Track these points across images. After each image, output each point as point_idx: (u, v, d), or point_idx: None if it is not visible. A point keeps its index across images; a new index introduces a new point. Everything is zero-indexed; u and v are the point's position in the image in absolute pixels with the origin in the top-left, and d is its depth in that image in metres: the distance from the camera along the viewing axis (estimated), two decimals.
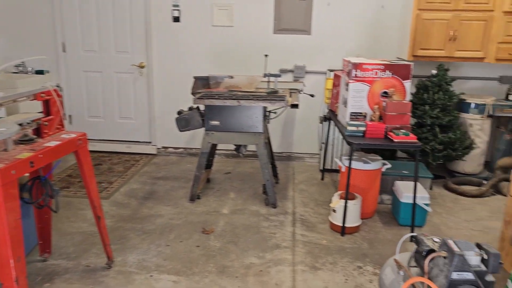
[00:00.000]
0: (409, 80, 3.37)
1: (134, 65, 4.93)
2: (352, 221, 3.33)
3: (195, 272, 2.79)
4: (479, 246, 1.78)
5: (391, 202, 3.81)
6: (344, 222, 3.28)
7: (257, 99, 3.43)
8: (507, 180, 4.16)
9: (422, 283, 1.80)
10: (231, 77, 3.89)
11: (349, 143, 3.16)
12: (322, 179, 4.50)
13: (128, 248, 3.07)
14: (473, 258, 1.72)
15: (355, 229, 3.36)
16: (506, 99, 4.46)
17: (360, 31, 4.63)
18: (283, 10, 4.61)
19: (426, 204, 3.41)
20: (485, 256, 1.73)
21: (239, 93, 3.68)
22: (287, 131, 4.99)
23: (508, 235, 2.87)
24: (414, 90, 4.35)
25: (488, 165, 4.69)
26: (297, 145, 5.02)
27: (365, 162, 3.50)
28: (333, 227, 3.40)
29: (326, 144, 4.50)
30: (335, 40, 4.67)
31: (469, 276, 1.69)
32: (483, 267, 1.73)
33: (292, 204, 3.86)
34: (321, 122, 4.57)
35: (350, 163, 3.20)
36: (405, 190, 3.47)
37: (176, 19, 4.74)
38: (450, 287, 1.70)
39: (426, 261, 1.80)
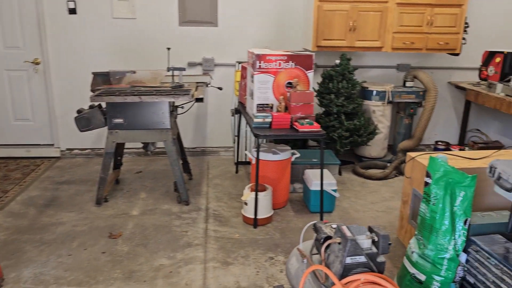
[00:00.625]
0: (311, 70, 3.44)
1: (28, 62, 4.51)
2: (264, 212, 3.34)
3: (99, 280, 2.62)
4: (370, 229, 1.84)
5: (303, 191, 3.89)
6: (256, 214, 3.28)
7: (161, 94, 3.30)
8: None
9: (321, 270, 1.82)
10: (134, 72, 3.70)
11: (255, 135, 3.15)
12: (237, 172, 4.48)
13: (23, 262, 2.80)
14: (365, 242, 1.78)
15: (268, 220, 3.38)
16: (404, 85, 4.75)
17: (267, 22, 4.65)
18: (188, 1, 4.48)
19: (334, 190, 3.53)
20: (376, 238, 1.79)
21: (142, 88, 3.52)
22: (200, 125, 4.89)
23: (407, 214, 3.04)
24: (320, 80, 4.47)
25: (392, 148, 4.98)
26: (211, 139, 4.95)
27: (274, 153, 3.53)
28: (245, 220, 3.39)
29: (239, 136, 4.48)
30: (242, 32, 4.64)
31: (362, 259, 1.74)
32: (374, 249, 1.79)
33: (206, 200, 3.79)
34: (233, 115, 4.54)
35: (257, 155, 3.20)
36: (314, 178, 3.55)
37: (72, 11, 4.41)
38: (345, 271, 1.73)
39: (322, 249, 1.82)
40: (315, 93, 4.45)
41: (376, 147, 4.70)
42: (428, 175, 2.29)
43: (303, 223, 3.42)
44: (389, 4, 4.23)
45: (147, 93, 3.32)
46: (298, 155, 3.67)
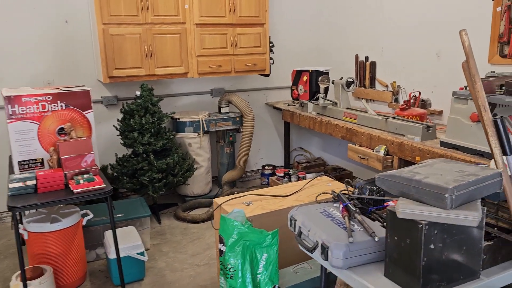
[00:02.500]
0: (90, 110, 2.74)
1: None
2: None
3: None
4: None
5: (106, 257, 3.13)
6: None
7: None
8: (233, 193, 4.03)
9: None
10: None
11: (10, 209, 2.29)
12: (24, 243, 3.48)
13: None
14: None
15: None
16: (219, 112, 4.36)
17: (48, 52, 3.78)
18: None
19: (141, 253, 2.86)
20: None
21: None
22: None
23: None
24: (120, 116, 3.78)
25: (218, 181, 4.54)
26: None
27: (55, 221, 2.70)
28: None
29: None
30: (14, 65, 3.68)
31: None
32: None
33: None
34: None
35: (16, 234, 2.34)
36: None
37: None
38: None
39: None
40: (117, 132, 3.76)
41: (198, 184, 4.19)
42: (221, 241, 1.79)
43: None
44: (187, 26, 3.79)
45: None
46: (90, 216, 2.90)
